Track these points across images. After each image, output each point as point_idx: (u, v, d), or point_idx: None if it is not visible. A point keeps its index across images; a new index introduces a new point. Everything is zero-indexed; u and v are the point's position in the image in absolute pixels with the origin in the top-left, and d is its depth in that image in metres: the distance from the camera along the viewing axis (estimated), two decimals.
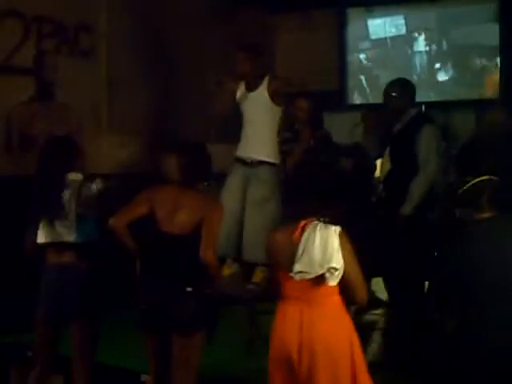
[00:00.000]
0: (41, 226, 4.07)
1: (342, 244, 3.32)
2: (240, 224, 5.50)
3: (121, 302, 4.58)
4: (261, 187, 5.39)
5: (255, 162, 5.42)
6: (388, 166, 5.47)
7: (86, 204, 4.04)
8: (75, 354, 4.14)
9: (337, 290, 3.44)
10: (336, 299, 3.44)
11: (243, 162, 5.48)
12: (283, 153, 5.71)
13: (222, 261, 5.56)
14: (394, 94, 5.35)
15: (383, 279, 6.07)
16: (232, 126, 5.84)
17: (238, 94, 5.50)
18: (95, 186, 4.05)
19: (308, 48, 8.69)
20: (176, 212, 3.91)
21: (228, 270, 5.57)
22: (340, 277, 3.35)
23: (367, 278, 6.10)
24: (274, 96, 5.39)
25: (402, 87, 5.41)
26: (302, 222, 3.38)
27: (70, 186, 4.04)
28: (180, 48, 7.35)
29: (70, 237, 4.04)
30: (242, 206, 5.47)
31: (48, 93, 6.09)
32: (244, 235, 5.44)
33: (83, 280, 4.04)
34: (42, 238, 4.09)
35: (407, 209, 5.11)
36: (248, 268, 5.56)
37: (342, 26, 8.77)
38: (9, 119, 5.96)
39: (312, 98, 6.37)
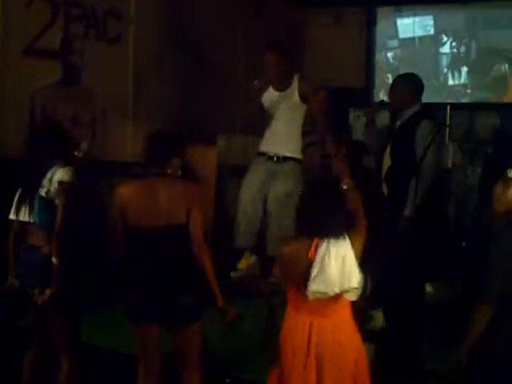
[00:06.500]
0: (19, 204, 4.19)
1: (352, 243, 3.38)
2: (259, 216, 5.52)
3: None
4: (286, 183, 5.43)
5: (281, 158, 5.46)
6: (388, 163, 5.25)
7: (54, 191, 4.07)
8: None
9: (349, 303, 3.47)
10: (346, 311, 3.48)
11: (268, 156, 5.50)
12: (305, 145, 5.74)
13: (240, 252, 5.53)
14: (395, 89, 5.28)
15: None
16: (256, 118, 5.80)
17: (265, 94, 5.50)
18: (63, 175, 4.07)
19: (336, 45, 8.72)
20: (156, 203, 3.74)
21: (245, 262, 5.54)
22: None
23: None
24: (304, 96, 5.42)
25: (405, 83, 5.29)
26: (316, 240, 3.38)
27: (48, 172, 4.09)
28: (208, 38, 7.31)
29: (33, 218, 4.11)
30: (264, 198, 5.49)
31: (73, 77, 6.02)
32: (268, 231, 5.46)
33: (45, 261, 4.03)
34: (14, 215, 4.21)
35: (407, 211, 4.94)
36: (268, 261, 5.51)
37: (370, 24, 8.79)
38: (32, 101, 5.91)
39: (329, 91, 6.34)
